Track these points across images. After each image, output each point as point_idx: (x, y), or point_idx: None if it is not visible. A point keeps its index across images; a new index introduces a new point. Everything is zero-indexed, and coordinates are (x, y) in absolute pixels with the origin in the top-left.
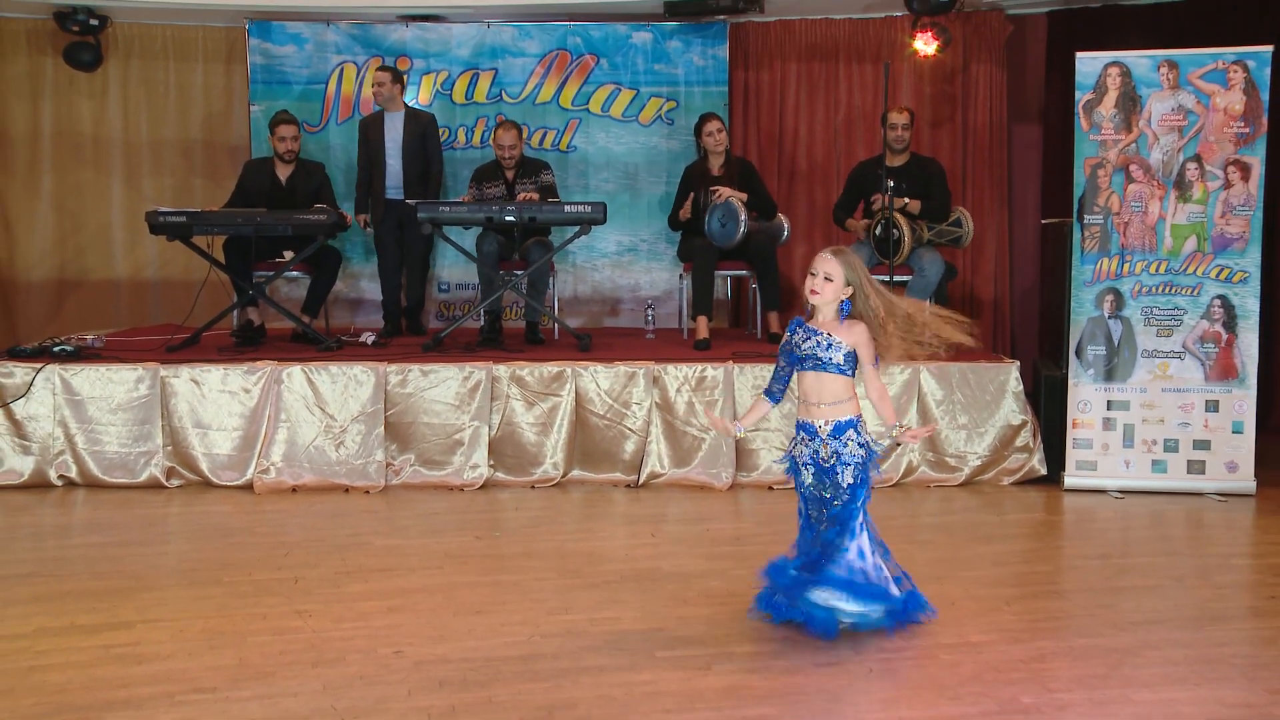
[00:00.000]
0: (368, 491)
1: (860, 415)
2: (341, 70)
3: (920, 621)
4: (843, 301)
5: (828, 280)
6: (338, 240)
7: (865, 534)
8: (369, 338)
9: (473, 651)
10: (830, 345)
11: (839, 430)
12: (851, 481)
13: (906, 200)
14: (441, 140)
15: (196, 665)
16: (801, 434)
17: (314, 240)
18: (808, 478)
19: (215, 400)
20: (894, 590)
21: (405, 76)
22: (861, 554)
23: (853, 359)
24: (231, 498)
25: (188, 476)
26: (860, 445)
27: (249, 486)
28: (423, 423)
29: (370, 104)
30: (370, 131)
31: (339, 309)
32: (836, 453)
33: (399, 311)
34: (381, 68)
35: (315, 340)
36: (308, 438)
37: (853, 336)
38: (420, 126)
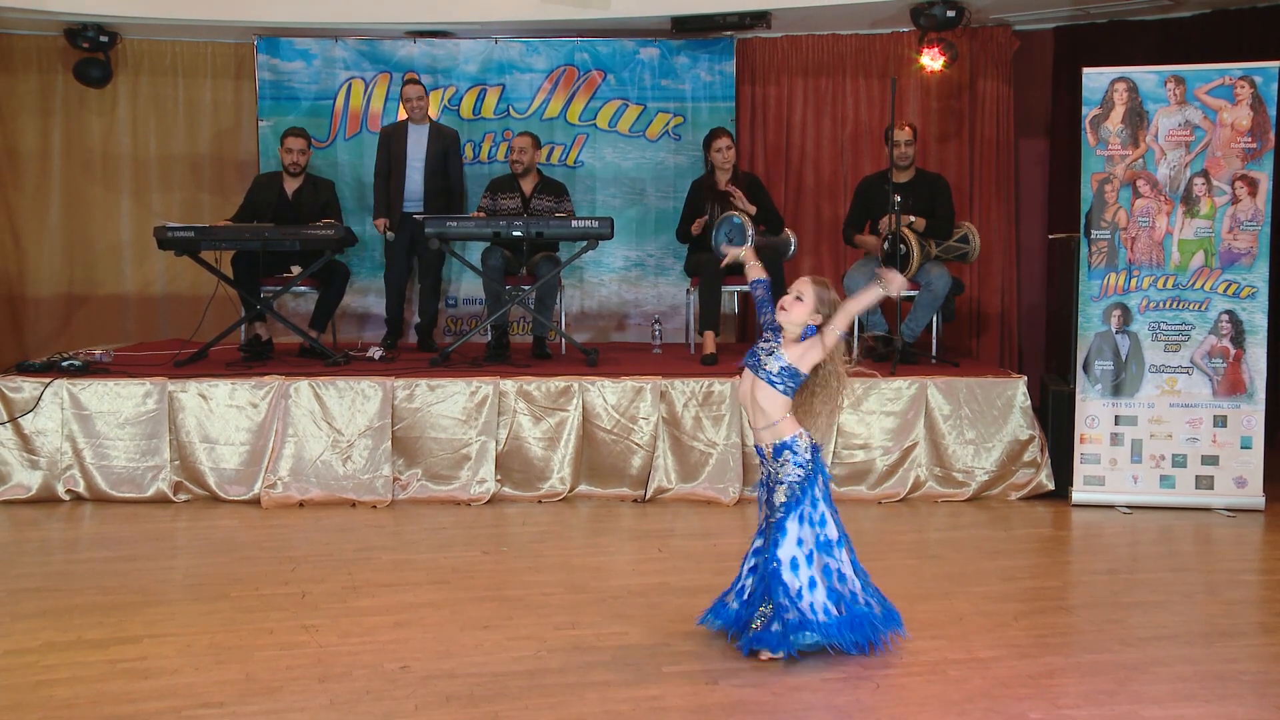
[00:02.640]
0: (375, 506)
1: (798, 434)
2: (350, 86)
3: (865, 651)
4: (808, 326)
5: (798, 300)
6: (345, 255)
7: (799, 548)
8: (376, 352)
9: (479, 667)
10: (772, 354)
11: (777, 452)
12: (785, 499)
13: (913, 219)
14: None
15: (203, 680)
16: (758, 456)
17: (322, 255)
18: (762, 495)
19: (223, 415)
20: (819, 616)
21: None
22: (794, 566)
23: (788, 376)
24: (239, 512)
25: (195, 491)
26: (797, 465)
27: (256, 501)
28: (430, 437)
29: (377, 119)
30: (393, 142)
31: (346, 324)
32: (775, 473)
33: (402, 324)
34: (411, 81)
35: (323, 355)
36: (315, 452)
37: (796, 353)
38: (444, 143)
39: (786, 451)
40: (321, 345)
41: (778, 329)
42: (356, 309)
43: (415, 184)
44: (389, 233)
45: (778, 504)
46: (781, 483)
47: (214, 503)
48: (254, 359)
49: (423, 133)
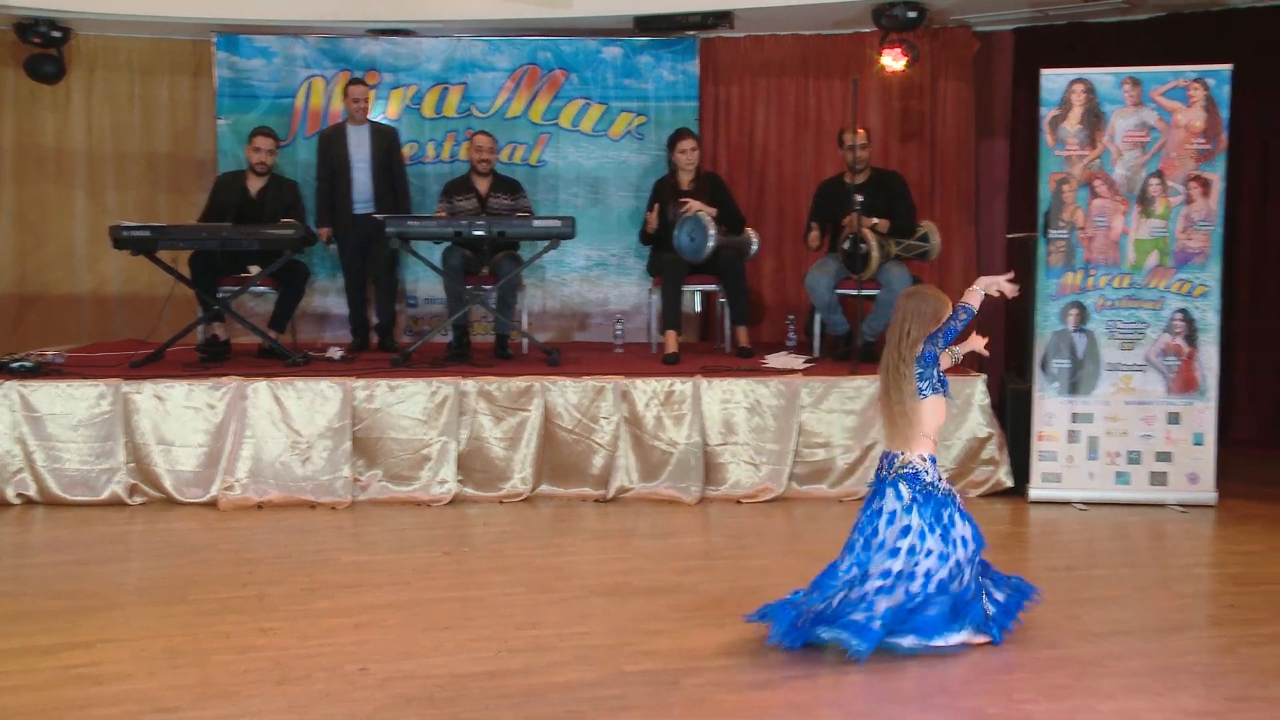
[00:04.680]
0: (334, 507)
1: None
2: (310, 84)
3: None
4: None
5: None
6: (305, 255)
7: None
8: (336, 353)
9: (440, 668)
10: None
11: None
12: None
13: (875, 221)
14: (411, 155)
15: (158, 685)
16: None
17: (281, 255)
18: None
19: (179, 416)
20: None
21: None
22: None
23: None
24: (195, 514)
25: (150, 494)
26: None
27: (213, 503)
28: (390, 438)
29: (339, 118)
30: (334, 145)
31: (306, 324)
32: None
33: (367, 327)
34: (354, 82)
35: (282, 355)
36: (273, 453)
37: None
38: (386, 141)
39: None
40: (281, 345)
41: None
42: (317, 309)
43: (363, 184)
44: (331, 244)
45: None
46: None
47: (170, 505)
48: (211, 360)
49: (363, 133)
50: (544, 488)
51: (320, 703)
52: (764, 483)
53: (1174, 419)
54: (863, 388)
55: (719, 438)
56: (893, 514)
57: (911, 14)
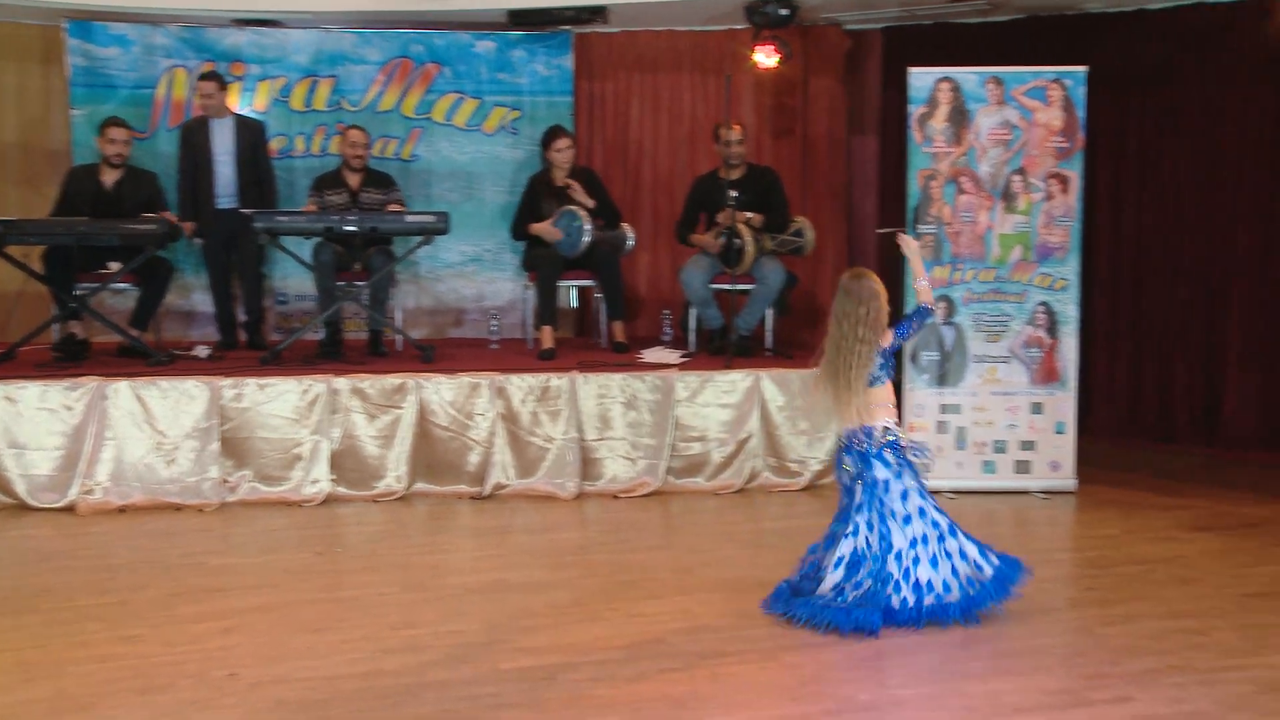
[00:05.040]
0: (202, 510)
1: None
2: (172, 75)
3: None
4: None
5: None
6: (170, 251)
7: None
8: (203, 351)
9: (312, 670)
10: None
11: None
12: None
13: (750, 215)
14: (280, 149)
15: (8, 700)
16: None
17: (143, 251)
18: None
19: (33, 418)
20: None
21: (232, 83)
22: None
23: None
24: (51, 520)
25: (1, 500)
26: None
27: (71, 508)
28: (260, 438)
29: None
30: (196, 137)
31: (171, 322)
32: None
33: (234, 324)
34: (203, 76)
35: (145, 354)
36: (136, 455)
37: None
38: (251, 134)
39: None
40: (143, 344)
41: None
42: (182, 307)
43: (226, 179)
44: (195, 239)
45: None
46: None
47: (23, 511)
48: (68, 359)
49: (227, 125)
50: (419, 486)
51: (186, 710)
52: (641, 477)
53: (1037, 409)
54: (737, 382)
55: (595, 433)
56: (887, 483)
57: (783, 11)
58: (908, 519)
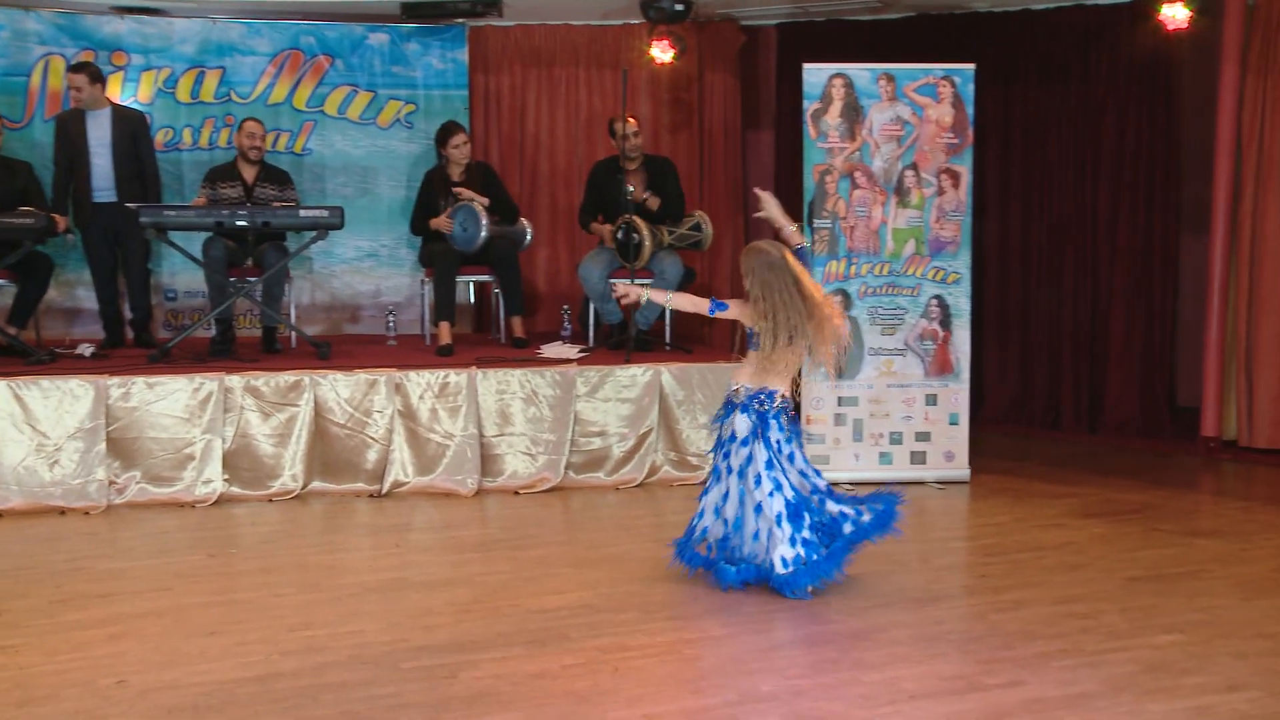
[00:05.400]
0: (87, 513)
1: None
2: (48, 63)
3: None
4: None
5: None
6: (49, 245)
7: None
8: (87, 349)
9: (205, 675)
10: None
11: None
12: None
13: (646, 196)
14: (166, 141)
15: None
16: None
17: (20, 245)
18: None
19: None
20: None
21: (113, 73)
22: None
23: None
24: None
25: None
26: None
27: None
28: (149, 438)
29: None
30: (70, 128)
31: (52, 319)
32: None
33: (120, 321)
34: (73, 69)
35: (24, 353)
36: (16, 458)
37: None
38: (130, 125)
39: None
40: (22, 342)
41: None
42: (64, 303)
43: (103, 171)
44: (71, 234)
45: None
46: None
47: None
48: None
49: (103, 116)
50: (316, 484)
51: None
52: (541, 473)
53: (932, 400)
54: (637, 376)
55: (495, 429)
56: (779, 443)
57: (679, 7)
58: (804, 474)
